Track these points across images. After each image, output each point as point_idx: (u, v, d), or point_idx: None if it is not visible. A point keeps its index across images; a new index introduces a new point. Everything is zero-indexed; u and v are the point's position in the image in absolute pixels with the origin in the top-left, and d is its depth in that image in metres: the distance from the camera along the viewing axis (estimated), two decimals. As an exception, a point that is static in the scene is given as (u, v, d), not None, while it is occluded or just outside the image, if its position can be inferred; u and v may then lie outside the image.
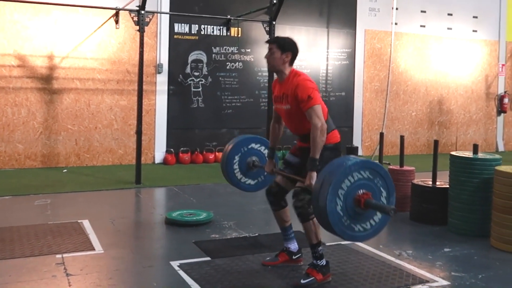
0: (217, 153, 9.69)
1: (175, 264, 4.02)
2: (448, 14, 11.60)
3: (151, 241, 4.70)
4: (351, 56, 10.75)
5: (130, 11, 7.18)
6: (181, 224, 5.13)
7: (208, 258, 4.16)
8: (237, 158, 4.25)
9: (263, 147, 4.36)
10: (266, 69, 9.92)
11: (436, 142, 5.70)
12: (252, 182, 4.37)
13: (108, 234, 4.86)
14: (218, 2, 9.59)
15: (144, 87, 9.02)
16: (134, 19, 7.05)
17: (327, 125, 3.65)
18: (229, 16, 9.41)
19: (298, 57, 10.32)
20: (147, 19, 7.07)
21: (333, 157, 3.53)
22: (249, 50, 9.91)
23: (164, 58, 9.28)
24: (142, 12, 7.00)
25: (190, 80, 9.54)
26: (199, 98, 9.64)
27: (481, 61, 12.15)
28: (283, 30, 9.83)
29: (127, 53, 9.03)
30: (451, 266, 4.11)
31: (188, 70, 9.51)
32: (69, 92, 8.75)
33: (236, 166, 4.27)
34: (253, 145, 4.32)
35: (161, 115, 9.37)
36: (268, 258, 4.12)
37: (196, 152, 9.57)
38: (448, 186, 5.33)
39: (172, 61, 9.37)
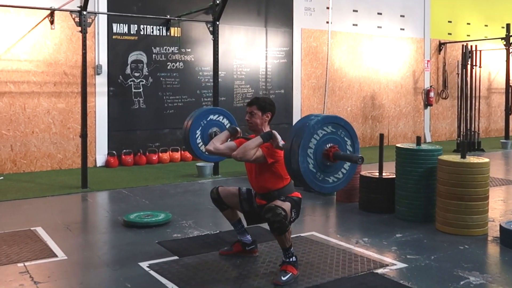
0: (160, 154, 9.65)
1: (144, 265, 4.03)
2: (378, 13, 12.17)
3: (114, 244, 4.66)
4: (289, 55, 11.03)
5: (71, 11, 6.99)
6: (141, 226, 5.11)
7: (176, 257, 4.21)
8: (198, 131, 4.35)
9: (221, 117, 4.51)
10: (207, 68, 10.05)
11: (381, 136, 6.03)
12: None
13: (67, 240, 4.76)
14: (157, 2, 9.53)
15: (83, 89, 8.85)
16: (76, 20, 6.88)
17: (289, 188, 3.89)
18: (168, 16, 9.38)
19: (238, 56, 10.40)
20: (89, 20, 6.93)
21: (298, 208, 3.86)
22: (189, 49, 9.92)
23: (103, 59, 9.10)
24: (84, 12, 6.85)
25: (130, 81, 9.42)
26: (140, 99, 9.54)
27: (408, 57, 12.84)
28: (222, 30, 9.91)
29: (64, 54, 8.77)
30: (405, 250, 4.40)
31: (128, 71, 9.38)
32: (3, 96, 8.38)
33: (199, 140, 4.35)
34: (211, 116, 4.46)
35: (101, 117, 9.18)
36: (225, 248, 4.31)
37: (139, 154, 9.46)
38: (393, 176, 5.67)
39: (112, 62, 9.21)
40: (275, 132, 3.77)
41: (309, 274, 3.82)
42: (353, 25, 11.82)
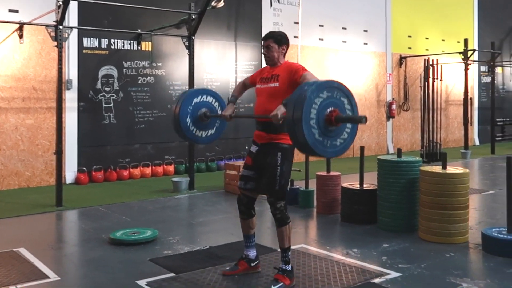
0: (131, 169, 9.53)
1: (142, 283, 3.99)
2: (343, 28, 12.50)
3: (105, 262, 4.58)
4: (258, 68, 11.15)
5: (47, 26, 6.86)
6: (129, 243, 5.05)
7: (173, 274, 4.18)
8: (188, 114, 4.22)
9: (209, 97, 4.40)
10: (178, 82, 10.02)
11: (362, 148, 6.20)
12: (208, 133, 4.38)
13: (54, 260, 4.65)
14: (128, 16, 9.47)
15: (51, 104, 8.68)
16: (52, 35, 6.75)
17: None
18: (139, 30, 9.34)
19: (208, 70, 10.30)
20: (65, 35, 6.82)
21: (290, 156, 3.89)
22: (160, 64, 9.89)
23: (73, 73, 8.95)
24: (60, 27, 6.73)
25: (101, 96, 9.29)
26: (111, 114, 9.42)
27: (371, 71, 13.22)
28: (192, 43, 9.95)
29: (32, 69, 8.58)
30: (395, 259, 4.54)
31: (98, 85, 9.25)
32: (-31, 112, 8.11)
33: (189, 123, 4.22)
34: (199, 97, 4.32)
35: (71, 133, 8.99)
36: (228, 268, 4.25)
37: (109, 170, 9.32)
38: (375, 188, 5.84)
39: (82, 76, 9.06)
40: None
41: (310, 286, 3.88)
42: (320, 39, 12.10)
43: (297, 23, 11.17)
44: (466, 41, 12.52)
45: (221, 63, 10.64)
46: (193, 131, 4.31)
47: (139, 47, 9.60)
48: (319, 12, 12.02)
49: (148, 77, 9.77)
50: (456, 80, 15.03)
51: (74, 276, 4.20)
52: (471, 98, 14.15)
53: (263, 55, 4.11)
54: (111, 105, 9.40)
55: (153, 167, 9.81)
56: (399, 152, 5.70)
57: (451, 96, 15.23)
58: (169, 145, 10.09)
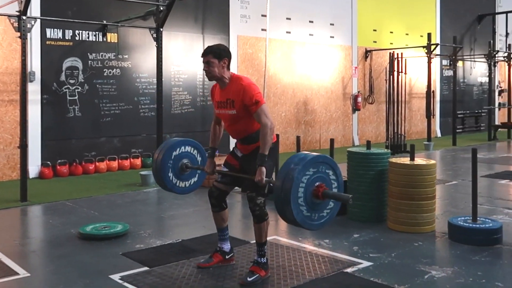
0: (97, 163, 9.37)
1: (115, 277, 3.95)
2: (310, 21, 12.58)
3: (76, 258, 4.50)
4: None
5: (10, 16, 6.65)
6: (100, 238, 4.97)
7: (146, 268, 4.15)
8: (170, 163, 4.24)
9: (192, 149, 4.39)
10: (145, 75, 9.90)
11: (332, 141, 6.27)
12: (187, 184, 4.39)
13: (22, 256, 4.55)
14: (93, 7, 9.28)
15: (13, 97, 8.45)
16: (15, 25, 6.55)
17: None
18: (105, 22, 9.16)
19: (175, 63, 10.17)
20: (29, 25, 6.62)
21: (272, 154, 3.85)
22: (126, 56, 9.73)
23: (36, 65, 8.71)
24: (24, 17, 6.54)
25: (65, 88, 9.08)
26: (76, 107, 9.23)
27: (338, 64, 13.37)
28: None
29: (-7, 61, 8.31)
30: (366, 249, 4.63)
31: (62, 77, 9.05)
32: None
33: (170, 172, 4.26)
34: (182, 148, 4.33)
35: (34, 126, 8.77)
36: (202, 260, 4.25)
37: (74, 164, 9.14)
38: (344, 179, 5.91)
39: (45, 68, 8.84)
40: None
41: (284, 276, 3.92)
42: (287, 32, 12.14)
43: (265, 15, 11.23)
44: (429, 35, 12.80)
45: (188, 56, 10.56)
46: (176, 184, 4.31)
47: (104, 39, 9.42)
48: (286, 5, 12.06)
49: (114, 69, 9.60)
50: (419, 74, 15.36)
51: (44, 272, 4.11)
52: (433, 91, 14.46)
53: (204, 71, 3.99)
54: (76, 97, 9.20)
55: (119, 160, 9.68)
56: (368, 145, 5.80)
57: (414, 89, 15.56)
58: (136, 138, 9.97)
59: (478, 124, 17.72)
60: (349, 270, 4.08)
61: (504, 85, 17.80)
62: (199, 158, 4.40)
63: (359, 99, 13.78)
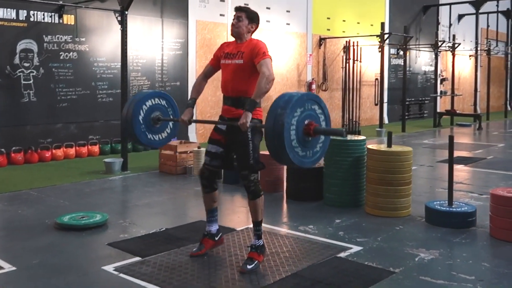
0: (53, 150, 9.01)
1: (109, 268, 3.84)
2: (267, 8, 12.58)
3: (61, 249, 4.32)
4: (185, 46, 10.94)
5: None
6: (80, 228, 4.81)
7: (139, 258, 4.06)
8: (141, 116, 4.13)
9: (162, 100, 4.33)
10: (102, 59, 9.58)
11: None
12: (161, 137, 4.33)
13: (2, 249, 4.32)
14: (47, -13, 8.84)
15: (-37, 80, 7.94)
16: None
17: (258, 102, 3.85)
18: (61, 2, 8.76)
19: (134, 47, 9.80)
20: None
21: (257, 133, 3.89)
22: (84, 39, 9.36)
23: (-13, 47, 8.22)
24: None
25: (19, 72, 8.63)
26: (31, 92, 8.80)
27: (293, 51, 13.47)
28: (117, 19, 9.54)
29: None
30: (351, 234, 4.74)
31: (16, 60, 8.58)
32: None
33: (142, 125, 4.15)
34: (152, 100, 4.25)
35: (-15, 112, 8.31)
36: (194, 249, 4.20)
37: (30, 151, 8.74)
38: (320, 166, 6.02)
39: (-3, 50, 8.36)
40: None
41: (281, 263, 3.95)
42: (245, 18, 12.06)
43: (223, 1, 11.12)
44: (382, 24, 13.14)
45: (147, 40, 10.29)
46: (147, 136, 4.23)
47: (61, 21, 9.00)
48: (244, -9, 11.98)
49: (71, 53, 9.22)
50: (368, 62, 15.74)
51: (31, 265, 3.93)
52: (380, 79, 14.87)
53: (232, 24, 4.02)
54: (31, 81, 8.77)
55: (77, 147, 9.35)
56: (356, 132, 5.90)
57: (364, 77, 15.93)
58: (94, 125, 9.66)
59: (421, 111, 18.44)
60: (342, 255, 4.17)
61: (446, 74, 18.59)
62: (170, 111, 4.36)
63: (313, 86, 13.97)
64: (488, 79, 18.44)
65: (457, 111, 16.41)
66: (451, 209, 5.02)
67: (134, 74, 10.18)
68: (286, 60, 13.30)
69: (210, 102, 11.46)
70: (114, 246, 4.37)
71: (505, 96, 21.11)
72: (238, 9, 4.04)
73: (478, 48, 17.79)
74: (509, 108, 21.23)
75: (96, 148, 9.59)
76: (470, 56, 19.68)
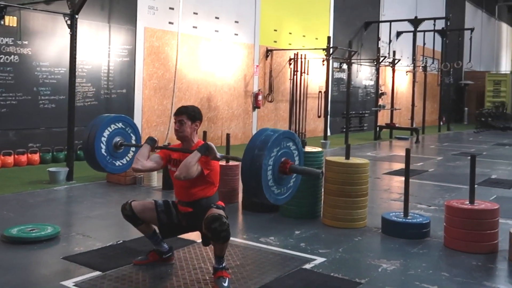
0: (-9, 159, 8.51)
1: (68, 283, 3.64)
2: (216, 17, 12.54)
3: (12, 264, 4.03)
4: (132, 53, 10.68)
5: None
6: (30, 242, 4.53)
7: (99, 272, 3.87)
8: (103, 143, 4.09)
9: (125, 125, 4.31)
10: (46, 63, 9.23)
11: (228, 136, 6.31)
12: (123, 162, 4.30)
13: None
14: (-12, -14, 8.38)
15: None
16: None
17: (217, 196, 3.91)
18: (3, 3, 8.33)
19: (78, 53, 9.33)
20: None
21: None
22: (26, 42, 8.94)
23: None
24: None
25: (-45, 74, 8.11)
26: (-33, 96, 8.28)
27: (241, 62, 13.49)
28: (63, 22, 9.18)
29: None
30: (313, 245, 4.75)
31: (-48, 62, 8.06)
32: None
33: (103, 147, 4.10)
34: (116, 124, 4.23)
35: None
36: (139, 258, 4.13)
37: (-36, 159, 8.21)
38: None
39: None
40: (211, 143, 3.74)
41: (248, 276, 3.90)
42: (194, 27, 11.98)
43: (173, 8, 11.02)
44: (329, 38, 13.42)
45: (93, 46, 9.97)
46: (108, 161, 4.19)
47: (2, 22, 8.54)
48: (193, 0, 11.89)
49: (12, 56, 8.76)
50: (312, 75, 16.02)
51: (-19, 282, 3.66)
52: (325, 92, 15.19)
53: (174, 129, 3.90)
54: (-33, 85, 8.26)
55: (15, 156, 8.88)
56: (303, 143, 5.94)
57: (308, 89, 16.20)
58: (34, 132, 9.22)
59: (362, 124, 18.97)
60: (307, 266, 4.17)
61: (385, 88, 19.25)
62: (133, 137, 4.34)
63: (260, 97, 14.04)
64: (424, 94, 19.28)
65: (396, 125, 17.00)
66: (407, 220, 5.16)
67: (79, 80, 9.78)
68: (234, 71, 13.29)
69: (156, 111, 11.24)
70: (70, 260, 4.15)
71: (438, 111, 22.12)
72: (177, 113, 3.86)
73: (416, 65, 18.55)
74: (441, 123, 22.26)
75: (36, 157, 9.15)
76: (407, 72, 20.51)
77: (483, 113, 22.48)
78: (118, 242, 4.67)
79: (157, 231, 4.07)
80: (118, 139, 4.22)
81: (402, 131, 17.28)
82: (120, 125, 4.28)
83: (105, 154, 4.15)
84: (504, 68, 34.48)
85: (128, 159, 4.36)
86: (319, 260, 4.33)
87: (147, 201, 4.08)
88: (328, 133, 16.84)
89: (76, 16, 7.41)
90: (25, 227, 4.82)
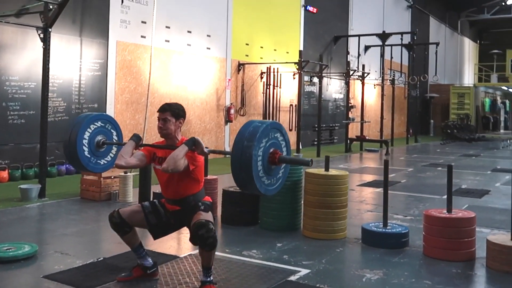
0: (-43, 176, 8.24)
1: (50, 304, 3.54)
2: (188, 31, 12.54)
3: (-14, 285, 3.92)
4: (104, 67, 10.57)
5: None
6: (7, 261, 4.39)
7: (82, 291, 3.79)
8: (85, 142, 4.09)
9: (107, 124, 4.30)
10: (15, 78, 9.05)
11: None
12: (107, 160, 4.30)
13: None
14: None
15: None
16: None
17: (203, 192, 3.94)
18: (-28, 16, 8.15)
19: (51, 69, 9.09)
20: None
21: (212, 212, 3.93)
22: (-5, 56, 8.75)
23: None
24: None
25: None
26: None
27: (213, 76, 13.51)
28: (33, 36, 9.05)
29: None
30: (296, 257, 4.76)
31: None
32: None
33: (85, 148, 4.09)
34: (97, 123, 4.22)
35: None
36: (123, 274, 4.06)
37: None
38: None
39: None
40: (197, 138, 3.73)
41: (234, 290, 3.87)
42: (166, 41, 11.95)
43: (145, 22, 10.98)
44: (300, 52, 13.59)
45: (64, 59, 9.82)
46: (92, 161, 4.20)
47: (-30, 36, 8.36)
48: (165, 13, 11.87)
49: (-20, 70, 8.56)
50: (283, 88, 16.16)
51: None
52: (296, 105, 15.34)
53: (158, 127, 3.88)
54: None
55: (-17, 172, 8.62)
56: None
57: (279, 103, 16.32)
58: (2, 148, 8.99)
59: (332, 137, 19.19)
60: (292, 278, 4.17)
61: (354, 101, 19.54)
62: (114, 133, 4.34)
63: (232, 111, 14.06)
64: (392, 107, 19.66)
65: (367, 137, 17.26)
66: (386, 230, 5.22)
67: (50, 95, 9.50)
68: (206, 84, 13.29)
69: (128, 126, 11.12)
70: (51, 278, 4.05)
71: (406, 124, 22.57)
72: (161, 110, 3.86)
73: (384, 78, 18.93)
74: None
75: (5, 174, 8.90)
76: (375, 85, 20.90)
77: (449, 125, 23.06)
78: (99, 259, 4.57)
79: (142, 244, 4.04)
80: (100, 138, 4.21)
81: (372, 144, 17.55)
82: (99, 123, 4.26)
83: (89, 155, 4.15)
84: (467, 81, 35.51)
85: (112, 155, 4.36)
86: (304, 271, 4.34)
87: (134, 205, 4.05)
88: (300, 146, 17.02)
89: (50, 30, 7.30)
90: (0, 246, 4.67)
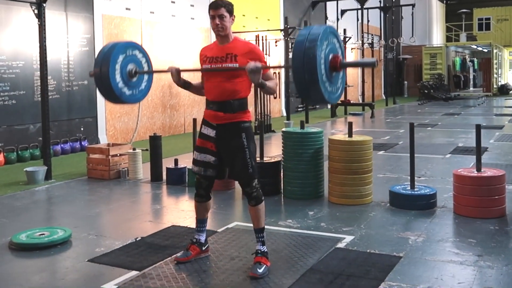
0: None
1: (110, 286, 3.46)
2: (172, 2, 12.19)
3: (42, 269, 3.78)
4: (91, 42, 10.21)
5: None
6: (43, 247, 4.26)
7: (136, 272, 3.71)
8: (117, 70, 3.78)
9: (138, 52, 4.00)
10: (2, 57, 8.65)
11: (194, 120, 6.24)
12: (137, 91, 4.00)
13: (-38, 280, 3.69)
14: None
15: None
16: None
17: (246, 102, 3.80)
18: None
19: (36, 44, 8.61)
20: None
21: (252, 133, 3.81)
22: (-20, 35, 8.32)
23: None
24: None
25: None
26: None
27: (199, 46, 13.19)
28: (18, 12, 8.66)
29: None
30: (333, 224, 4.77)
31: None
32: None
33: (118, 77, 3.78)
34: (129, 51, 3.91)
35: None
36: (179, 255, 3.97)
37: None
38: (278, 160, 6.01)
39: None
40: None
41: (288, 260, 3.86)
42: (151, 12, 11.59)
43: (130, -6, 10.58)
44: (286, 19, 13.41)
45: (51, 36, 9.39)
46: (124, 91, 3.87)
47: (-47, 14, 7.91)
48: (149, -16, 11.50)
49: (-33, 51, 8.15)
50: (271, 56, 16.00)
51: (15, 294, 3.41)
52: (279, 73, 15.23)
53: (214, 25, 3.70)
54: None
55: (-22, 157, 8.31)
56: (302, 125, 5.94)
57: (263, 71, 16.18)
58: (-6, 131, 8.66)
59: (312, 103, 19.21)
60: (340, 245, 4.18)
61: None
62: (144, 63, 4.04)
63: (218, 82, 13.85)
64: (372, 70, 19.76)
65: (351, 101, 17.35)
66: (415, 192, 5.29)
67: (39, 73, 9.26)
68: (192, 56, 12.99)
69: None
70: (98, 261, 3.95)
71: (383, 86, 22.78)
72: (214, 6, 3.67)
73: (364, 42, 18.95)
74: (383, 97, 22.92)
75: (0, 157, 8.60)
76: (352, 49, 20.92)
77: (425, 85, 23.37)
78: (137, 239, 4.48)
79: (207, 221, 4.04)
80: (131, 67, 3.89)
81: (356, 107, 17.66)
82: (130, 52, 3.92)
83: (122, 86, 3.85)
84: (435, 41, 35.92)
85: (145, 84, 4.09)
86: (348, 238, 4.36)
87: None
88: (284, 113, 17.02)
89: (44, 5, 6.96)
90: (32, 232, 4.53)
